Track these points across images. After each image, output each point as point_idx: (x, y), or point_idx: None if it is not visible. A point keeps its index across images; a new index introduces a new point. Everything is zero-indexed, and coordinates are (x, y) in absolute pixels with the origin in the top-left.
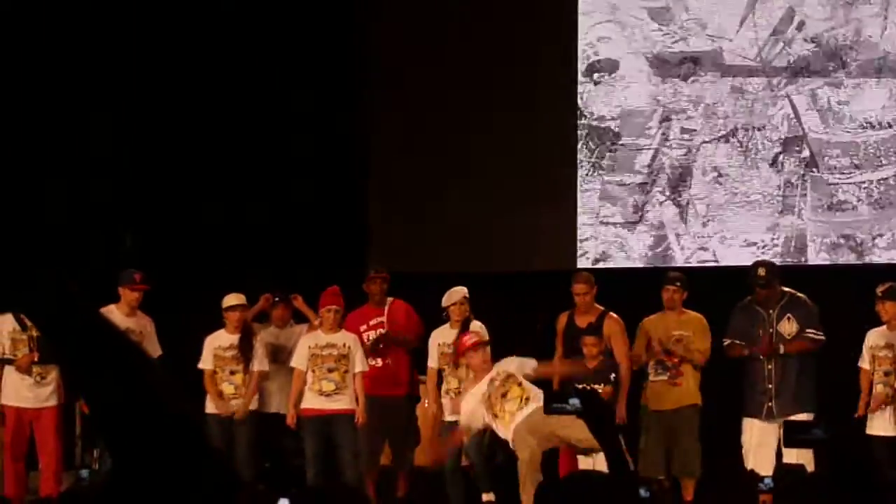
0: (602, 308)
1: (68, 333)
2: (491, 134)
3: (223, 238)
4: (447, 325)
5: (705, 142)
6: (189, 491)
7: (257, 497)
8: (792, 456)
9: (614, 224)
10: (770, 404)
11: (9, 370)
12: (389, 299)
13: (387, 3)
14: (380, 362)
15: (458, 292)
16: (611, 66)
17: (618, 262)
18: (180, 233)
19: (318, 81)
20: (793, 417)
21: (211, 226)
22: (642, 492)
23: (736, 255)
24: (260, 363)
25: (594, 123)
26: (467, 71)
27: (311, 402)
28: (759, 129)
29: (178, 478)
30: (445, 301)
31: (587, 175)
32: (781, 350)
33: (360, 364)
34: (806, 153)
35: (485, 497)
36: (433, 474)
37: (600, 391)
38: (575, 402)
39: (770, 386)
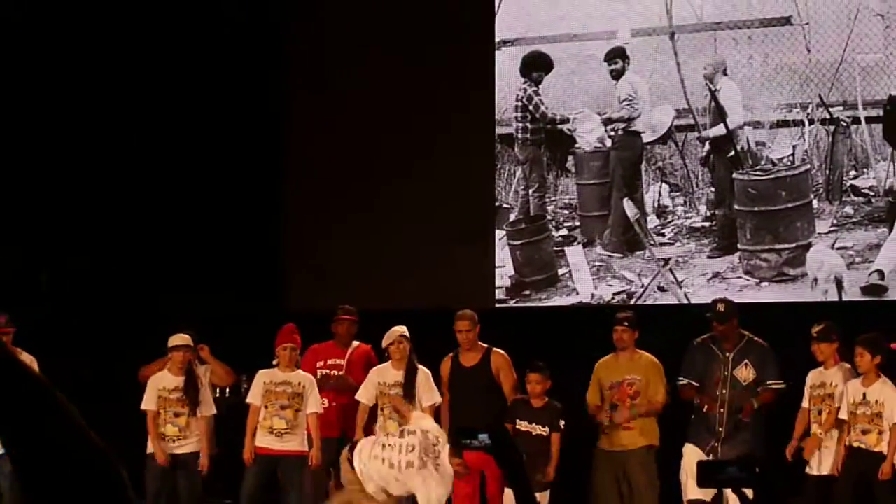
0: (486, 345)
1: None
2: (412, 166)
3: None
4: (388, 364)
5: None
6: None
7: None
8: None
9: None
10: (716, 445)
11: None
12: (355, 343)
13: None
14: (326, 402)
15: (396, 332)
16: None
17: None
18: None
19: (233, 117)
20: None
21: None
22: None
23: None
24: (209, 407)
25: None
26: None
27: (261, 440)
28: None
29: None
30: (385, 341)
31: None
32: (755, 406)
33: (313, 404)
34: None
35: None
36: None
37: (544, 434)
38: (484, 437)
39: (720, 429)
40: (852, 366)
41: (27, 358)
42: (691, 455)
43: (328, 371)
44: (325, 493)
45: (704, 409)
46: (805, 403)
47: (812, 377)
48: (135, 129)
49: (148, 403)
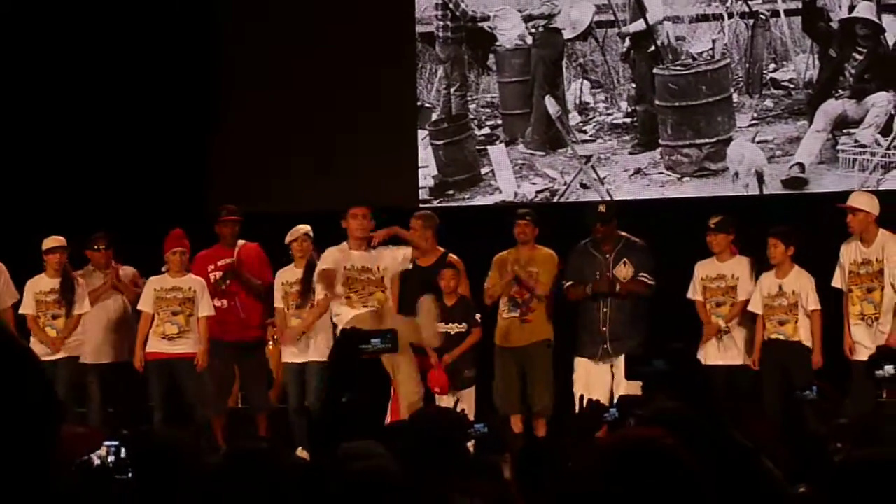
0: (443, 249)
1: None
2: (334, 66)
3: (54, 176)
4: (292, 265)
5: None
6: (17, 408)
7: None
8: (629, 389)
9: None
10: (605, 346)
11: None
12: (240, 242)
13: None
14: (226, 303)
15: (300, 230)
16: None
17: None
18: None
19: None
20: None
21: (41, 163)
22: (479, 427)
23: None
24: (81, 306)
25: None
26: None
27: (155, 345)
28: None
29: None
30: (288, 238)
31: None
32: (617, 288)
33: (204, 308)
34: None
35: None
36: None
37: (462, 331)
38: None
39: (604, 328)
40: (756, 258)
41: None
42: (581, 367)
43: (218, 273)
44: (229, 392)
45: (588, 291)
46: (698, 297)
47: (703, 269)
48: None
49: (26, 307)
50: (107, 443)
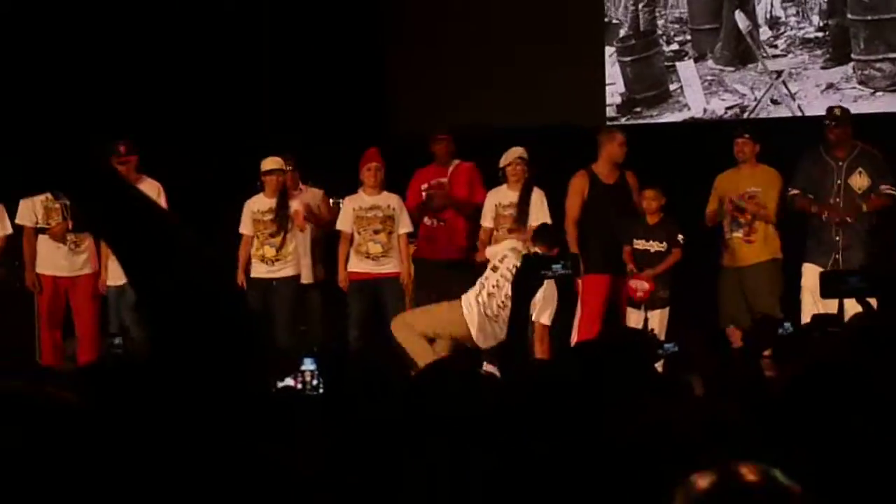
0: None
1: (103, 208)
2: None
3: (240, 102)
4: (504, 186)
5: None
6: (227, 364)
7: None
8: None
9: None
10: (837, 256)
11: (43, 239)
12: (455, 161)
13: None
14: (434, 222)
15: (514, 152)
16: None
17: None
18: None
19: None
20: None
21: (226, 88)
22: (669, 346)
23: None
24: (405, 226)
25: None
26: None
27: (358, 265)
28: None
29: (218, 349)
30: (502, 161)
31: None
32: (863, 209)
33: (404, 225)
34: None
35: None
36: None
37: (662, 250)
38: (557, 267)
39: (837, 237)
40: None
41: (152, 186)
42: (810, 273)
43: (430, 188)
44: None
45: (824, 217)
46: None
47: None
48: None
49: (245, 227)
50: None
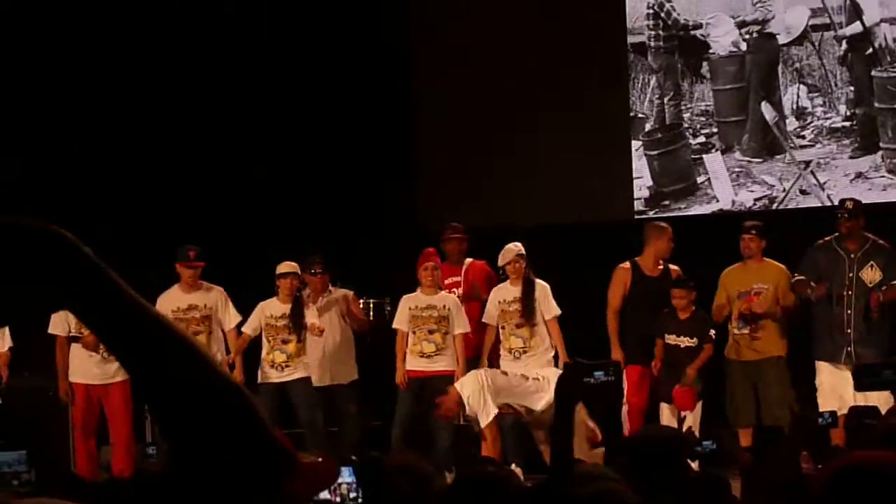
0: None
1: (112, 325)
2: (543, 80)
3: (266, 204)
4: (507, 283)
5: None
6: (246, 472)
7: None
8: (861, 399)
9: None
10: (849, 349)
11: (75, 348)
12: (468, 260)
13: None
14: None
15: (512, 250)
16: None
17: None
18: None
19: (365, 39)
20: None
21: (253, 192)
22: (707, 444)
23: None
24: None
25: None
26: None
27: (412, 363)
28: None
29: (236, 459)
30: (501, 260)
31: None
32: (881, 298)
33: (460, 325)
34: None
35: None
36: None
37: (692, 345)
38: (600, 375)
39: (849, 331)
40: None
41: (214, 292)
42: (826, 371)
43: (448, 291)
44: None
45: (814, 298)
46: None
47: None
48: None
49: (249, 327)
50: (346, 479)
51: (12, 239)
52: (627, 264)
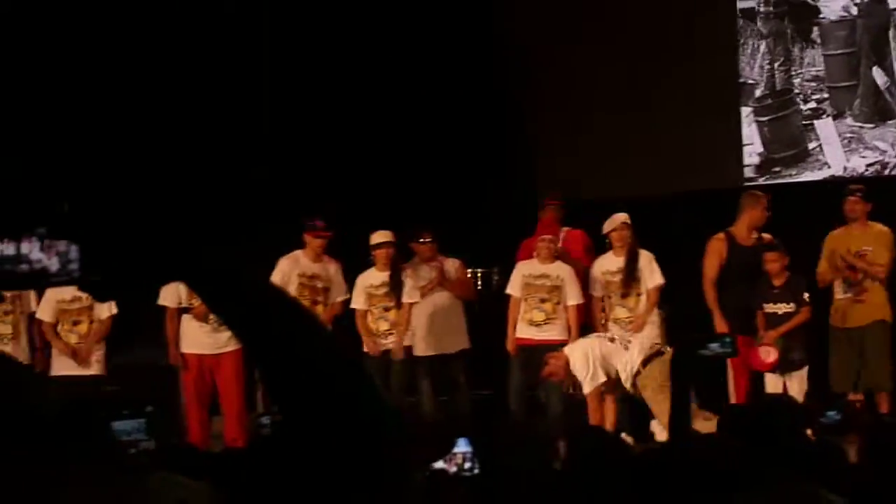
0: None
1: (230, 300)
2: (653, 48)
3: (380, 174)
4: (610, 253)
5: None
6: (364, 440)
7: (436, 435)
8: None
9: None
10: None
11: (186, 318)
12: (565, 228)
13: None
14: None
15: (618, 218)
16: None
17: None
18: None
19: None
20: None
21: (363, 161)
22: (832, 414)
23: None
24: (409, 295)
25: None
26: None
27: (522, 331)
28: None
29: (353, 427)
30: (606, 227)
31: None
32: None
33: (573, 297)
34: None
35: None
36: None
37: (791, 311)
38: (715, 346)
39: None
40: None
41: (332, 264)
42: None
43: None
44: None
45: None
46: None
47: None
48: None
49: (357, 302)
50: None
51: (131, 213)
52: (722, 235)
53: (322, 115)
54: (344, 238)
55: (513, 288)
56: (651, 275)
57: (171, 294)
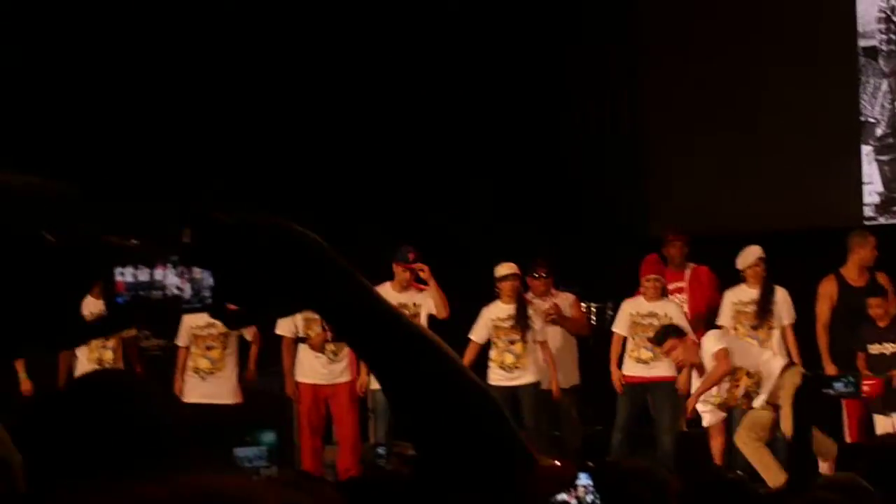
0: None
1: (357, 325)
2: (772, 86)
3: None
4: (743, 285)
5: None
6: (493, 472)
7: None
8: None
9: None
10: None
11: (303, 348)
12: (691, 265)
13: None
14: None
15: (754, 253)
16: None
17: None
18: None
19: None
20: None
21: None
22: None
23: None
24: (541, 333)
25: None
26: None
27: (631, 368)
28: None
29: (485, 459)
30: (741, 264)
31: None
32: None
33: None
34: None
35: None
36: None
37: (892, 350)
38: (839, 386)
39: None
40: None
41: (421, 295)
42: None
43: (671, 296)
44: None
45: None
46: None
47: None
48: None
49: (477, 334)
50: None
51: (256, 239)
52: (832, 276)
53: (439, 152)
54: (466, 274)
55: (619, 326)
56: (788, 311)
57: (288, 324)
